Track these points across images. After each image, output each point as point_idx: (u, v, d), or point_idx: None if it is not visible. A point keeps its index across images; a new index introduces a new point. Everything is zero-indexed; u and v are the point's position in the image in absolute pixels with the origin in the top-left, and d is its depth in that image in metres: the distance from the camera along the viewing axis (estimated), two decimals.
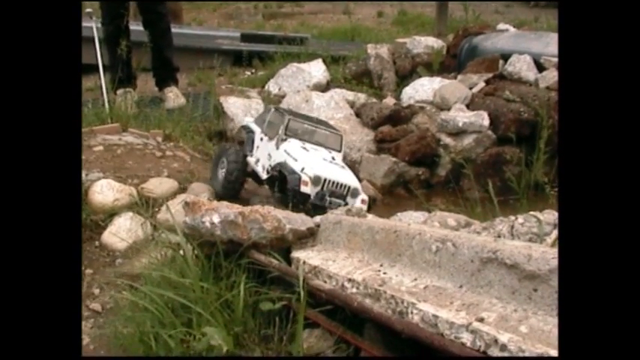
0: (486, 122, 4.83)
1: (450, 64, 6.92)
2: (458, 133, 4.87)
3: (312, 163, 3.41)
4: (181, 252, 2.43)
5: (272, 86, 6.51)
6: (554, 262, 1.43)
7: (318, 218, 2.51)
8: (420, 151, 4.82)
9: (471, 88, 5.44)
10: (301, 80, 6.37)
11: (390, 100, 5.74)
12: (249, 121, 4.18)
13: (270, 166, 3.61)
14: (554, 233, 2.02)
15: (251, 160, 3.84)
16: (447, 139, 4.89)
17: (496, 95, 5.20)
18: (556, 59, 5.53)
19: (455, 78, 6.26)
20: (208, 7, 12.82)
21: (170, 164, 4.06)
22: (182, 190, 3.72)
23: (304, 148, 3.58)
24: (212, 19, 11.84)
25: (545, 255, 1.47)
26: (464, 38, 6.91)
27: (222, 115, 5.44)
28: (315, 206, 3.28)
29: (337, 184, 3.37)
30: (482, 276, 1.60)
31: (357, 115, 5.57)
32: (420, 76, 6.78)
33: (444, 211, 3.18)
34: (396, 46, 7.31)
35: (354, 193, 3.42)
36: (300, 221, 2.43)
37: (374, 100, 6.02)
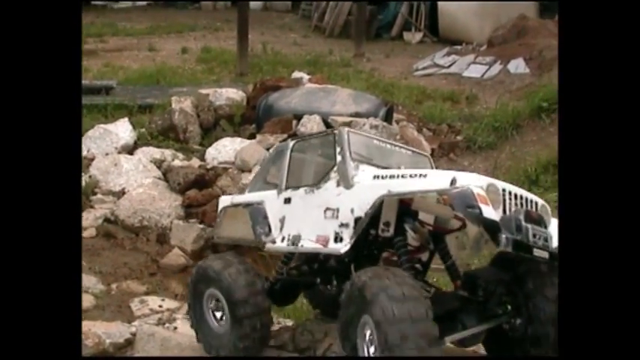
0: None
1: (250, 115, 7.47)
2: None
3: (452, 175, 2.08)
4: None
5: None
6: None
7: (134, 327, 2.93)
8: None
9: (268, 149, 6.00)
10: (109, 142, 6.60)
11: (195, 162, 6.19)
12: (237, 198, 2.80)
13: (343, 226, 2.20)
14: None
15: (272, 247, 2.55)
16: None
17: None
18: (341, 118, 6.31)
19: (255, 131, 6.85)
20: None
21: None
22: None
23: (401, 176, 2.20)
24: None
25: None
26: (262, 92, 7.52)
27: None
28: (515, 245, 1.95)
29: (522, 197, 2.06)
30: None
31: (165, 175, 5.96)
32: (224, 130, 7.31)
33: None
34: (199, 98, 7.72)
35: (545, 216, 2.11)
36: (118, 334, 2.85)
37: (180, 155, 6.45)
